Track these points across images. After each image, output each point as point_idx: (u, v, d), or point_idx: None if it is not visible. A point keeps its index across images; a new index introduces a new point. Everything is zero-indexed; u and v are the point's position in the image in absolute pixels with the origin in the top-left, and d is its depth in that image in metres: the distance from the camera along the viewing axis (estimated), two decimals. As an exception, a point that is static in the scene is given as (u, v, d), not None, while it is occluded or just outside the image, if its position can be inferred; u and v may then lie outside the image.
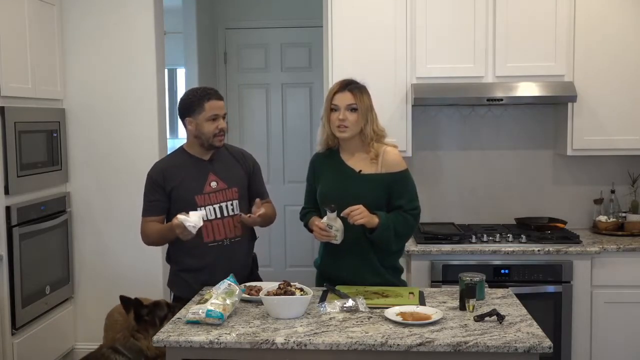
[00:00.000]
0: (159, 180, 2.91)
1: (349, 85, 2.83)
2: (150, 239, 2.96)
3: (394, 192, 2.81)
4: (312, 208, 2.99)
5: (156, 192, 2.91)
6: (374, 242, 2.78)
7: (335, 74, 3.86)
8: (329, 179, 2.89)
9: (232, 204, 2.95)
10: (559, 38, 3.80)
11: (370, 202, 2.74)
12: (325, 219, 2.74)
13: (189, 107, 2.90)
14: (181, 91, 7.28)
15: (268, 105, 5.89)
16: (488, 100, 3.81)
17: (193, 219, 2.69)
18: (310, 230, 2.87)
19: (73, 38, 4.34)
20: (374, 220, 2.72)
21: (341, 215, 2.71)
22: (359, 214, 2.68)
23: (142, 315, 2.66)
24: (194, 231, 2.69)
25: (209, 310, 2.35)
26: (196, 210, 2.84)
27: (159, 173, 2.93)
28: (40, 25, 4.03)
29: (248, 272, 3.03)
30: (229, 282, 2.51)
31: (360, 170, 2.82)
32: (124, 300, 2.76)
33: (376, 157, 2.81)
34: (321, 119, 2.91)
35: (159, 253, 4.15)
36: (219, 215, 2.92)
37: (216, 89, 2.97)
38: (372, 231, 2.75)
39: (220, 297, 2.42)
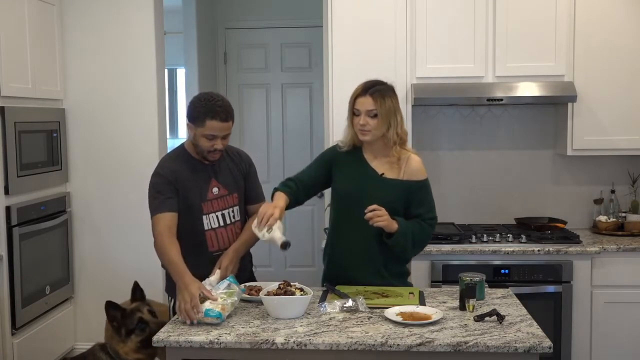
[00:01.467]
0: (171, 179, 2.78)
1: (371, 89, 2.73)
2: (163, 250, 2.69)
3: (413, 200, 2.79)
4: (296, 184, 2.84)
5: (169, 190, 2.76)
6: (390, 247, 2.76)
7: (335, 74, 3.87)
8: (350, 177, 2.84)
9: (233, 211, 2.89)
10: (559, 38, 3.80)
11: (388, 207, 2.70)
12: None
13: (193, 114, 2.76)
14: (181, 91, 7.29)
15: (268, 105, 5.89)
16: (488, 100, 3.81)
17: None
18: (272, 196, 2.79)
19: (73, 38, 4.34)
20: (393, 225, 2.70)
21: (365, 212, 2.66)
22: (381, 216, 2.66)
23: (113, 319, 2.65)
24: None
25: (207, 310, 2.36)
26: (202, 217, 2.79)
27: (170, 173, 2.79)
28: (40, 25, 4.04)
29: (248, 275, 3.01)
30: (229, 282, 2.51)
31: (383, 174, 2.79)
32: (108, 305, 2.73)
33: (398, 162, 2.78)
34: (347, 119, 2.84)
35: (159, 253, 4.15)
36: (222, 224, 2.85)
37: (227, 107, 2.75)
38: (389, 236, 2.73)
39: (220, 296, 2.42)
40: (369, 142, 2.78)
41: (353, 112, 2.77)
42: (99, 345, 2.74)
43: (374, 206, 2.67)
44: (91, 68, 4.35)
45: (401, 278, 2.91)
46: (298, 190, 2.85)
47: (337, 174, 2.88)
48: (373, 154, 2.83)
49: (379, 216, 2.66)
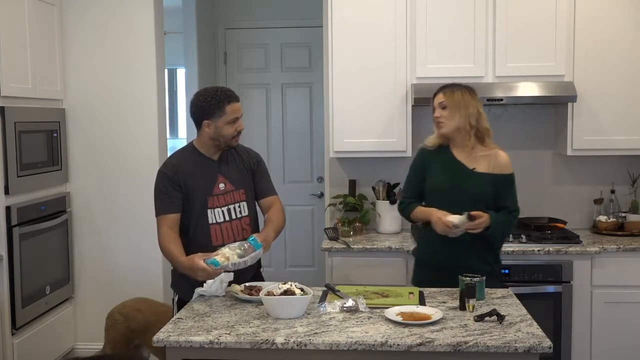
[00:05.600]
0: (173, 176, 2.83)
1: (445, 87, 3.02)
2: (164, 251, 2.85)
3: (501, 193, 2.98)
4: (413, 198, 3.11)
5: (172, 188, 2.82)
6: (483, 236, 2.90)
7: (336, 74, 3.87)
8: (442, 173, 3.01)
9: (239, 206, 2.93)
10: (559, 38, 3.80)
11: (480, 199, 2.91)
12: (456, 219, 2.82)
13: (208, 110, 2.80)
14: (181, 91, 7.27)
15: (268, 105, 5.89)
16: (488, 100, 3.80)
17: (212, 288, 2.73)
18: (413, 221, 3.24)
19: (73, 38, 4.34)
20: (488, 222, 2.88)
21: (473, 219, 2.82)
22: (482, 223, 2.84)
23: None
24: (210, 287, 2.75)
25: (212, 261, 2.60)
26: (207, 210, 2.84)
27: (172, 169, 2.86)
28: (40, 25, 4.04)
29: (253, 273, 3.02)
30: (249, 240, 2.70)
31: (474, 168, 2.97)
32: None
33: (487, 157, 2.97)
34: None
35: (159, 253, 4.11)
36: (227, 218, 2.89)
37: (231, 90, 2.89)
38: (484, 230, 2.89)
39: (235, 248, 2.65)
40: (445, 134, 3.00)
41: (433, 110, 3.03)
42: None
43: (478, 213, 2.82)
44: (91, 68, 4.35)
45: (496, 265, 3.04)
46: (420, 200, 3.10)
47: (429, 171, 3.06)
48: (459, 151, 3.01)
49: (480, 223, 2.84)
